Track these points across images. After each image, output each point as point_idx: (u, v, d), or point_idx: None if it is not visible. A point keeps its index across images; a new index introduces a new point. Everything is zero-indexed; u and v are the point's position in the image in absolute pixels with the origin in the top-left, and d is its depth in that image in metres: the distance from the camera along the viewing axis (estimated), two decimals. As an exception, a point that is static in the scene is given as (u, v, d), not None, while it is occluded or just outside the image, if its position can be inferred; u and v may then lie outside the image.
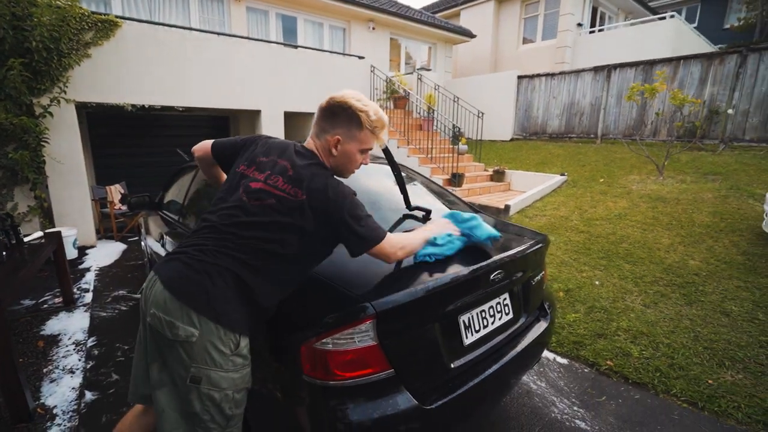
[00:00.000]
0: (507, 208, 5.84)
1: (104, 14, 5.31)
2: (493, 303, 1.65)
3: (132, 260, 5.09)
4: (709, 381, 2.40)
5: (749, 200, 4.76)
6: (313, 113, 6.96)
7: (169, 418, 1.16)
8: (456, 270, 1.45)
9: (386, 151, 1.78)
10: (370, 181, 2.15)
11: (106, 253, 5.35)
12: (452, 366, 1.44)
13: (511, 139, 10.05)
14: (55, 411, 2.23)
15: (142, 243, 4.26)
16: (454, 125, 7.43)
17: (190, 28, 6.74)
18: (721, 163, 6.04)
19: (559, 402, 2.32)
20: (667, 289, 3.44)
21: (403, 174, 1.94)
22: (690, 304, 3.22)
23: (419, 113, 9.16)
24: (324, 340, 1.23)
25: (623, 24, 12.12)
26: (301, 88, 7.50)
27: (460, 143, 7.92)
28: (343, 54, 8.82)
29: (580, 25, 11.50)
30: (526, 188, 6.86)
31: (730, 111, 6.73)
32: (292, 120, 8.23)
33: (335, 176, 1.35)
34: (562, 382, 2.51)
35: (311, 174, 1.25)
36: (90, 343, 2.99)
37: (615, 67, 8.26)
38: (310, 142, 1.41)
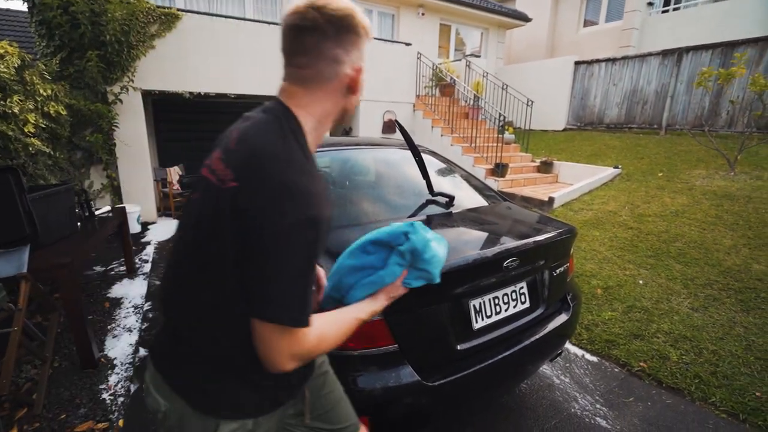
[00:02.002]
0: (551, 200, 5.61)
1: (167, 8, 5.72)
2: (507, 290, 1.65)
3: (187, 236, 5.54)
4: (757, 393, 2.21)
5: (836, 201, 4.20)
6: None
7: None
8: (465, 254, 1.46)
9: (402, 130, 1.80)
10: (391, 166, 2.19)
11: (165, 229, 5.86)
12: (459, 348, 1.47)
13: (564, 129, 9.53)
14: (115, 362, 2.55)
15: (195, 220, 4.63)
16: (500, 114, 7.19)
17: (244, 18, 7.07)
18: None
19: (581, 398, 2.26)
20: (721, 294, 3.17)
21: (424, 158, 1.95)
22: (747, 311, 2.94)
23: (466, 101, 8.95)
24: (332, 312, 1.31)
25: (703, 0, 10.91)
26: (347, 76, 7.59)
27: (506, 132, 7.67)
28: (390, 41, 8.79)
29: (650, 4, 10.52)
30: (575, 181, 6.52)
31: (824, 99, 5.89)
32: (338, 107, 8.38)
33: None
34: (587, 379, 2.43)
35: (253, 143, 0.76)
36: (146, 307, 3.35)
37: (687, 50, 7.50)
38: (284, 90, 0.86)
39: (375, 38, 8.51)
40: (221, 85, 6.35)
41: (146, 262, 4.44)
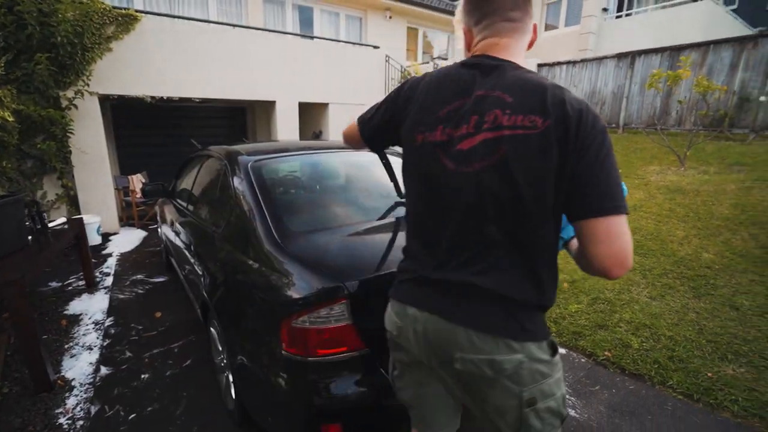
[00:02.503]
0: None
1: (125, 9, 5.49)
2: (475, 289, 1.68)
3: (151, 246, 5.33)
4: (709, 374, 2.35)
5: (775, 192, 4.55)
6: (327, 103, 6.98)
7: None
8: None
9: None
10: (361, 169, 2.20)
11: (128, 240, 5.61)
12: (429, 348, 1.49)
13: (529, 129, 9.83)
14: (73, 383, 2.41)
15: (159, 230, 4.47)
16: (467, 115, 7.34)
17: (207, 21, 6.90)
18: (749, 154, 5.76)
19: (551, 390, 2.33)
20: (675, 282, 3.36)
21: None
22: (698, 297, 3.14)
23: (434, 103, 9.07)
24: (301, 318, 1.30)
25: (653, 7, 11.57)
26: (316, 79, 7.56)
27: (474, 133, 7.83)
28: (358, 44, 8.81)
29: (605, 10, 11.05)
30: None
31: (762, 98, 6.38)
32: (308, 111, 8.33)
33: None
34: (557, 372, 2.51)
35: (534, 88, 0.83)
36: (108, 322, 3.19)
37: (639, 53, 7.93)
38: (496, 44, 0.92)
39: (343, 41, 8.51)
40: (185, 88, 6.16)
41: (108, 275, 4.23)
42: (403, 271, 1.04)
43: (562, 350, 2.74)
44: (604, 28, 11.04)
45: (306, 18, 9.14)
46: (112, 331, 3.05)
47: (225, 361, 1.92)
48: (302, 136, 8.38)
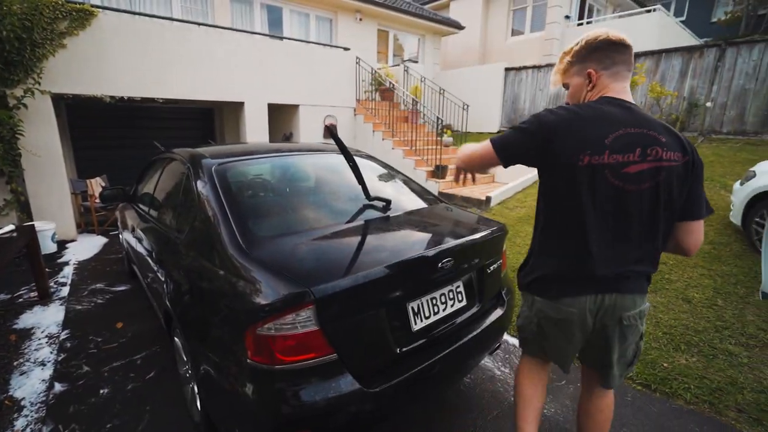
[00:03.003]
0: (488, 199, 5.90)
1: (79, 3, 5.22)
2: (444, 290, 1.70)
3: (112, 254, 5.08)
4: (665, 364, 2.49)
5: (721, 191, 4.86)
6: (297, 105, 6.88)
7: (622, 370, 1.43)
8: (400, 258, 1.49)
9: (335, 137, 1.81)
10: (331, 171, 2.18)
11: (86, 247, 5.32)
12: (399, 351, 1.49)
13: (498, 131, 10.09)
14: (23, 403, 2.25)
15: (120, 236, 4.27)
16: (438, 117, 7.45)
17: (171, 18, 6.65)
18: (699, 155, 6.14)
19: (520, 387, 2.39)
20: (635, 278, 3.53)
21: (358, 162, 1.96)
22: (655, 291, 3.31)
23: (405, 105, 9.15)
24: (267, 326, 1.27)
25: (611, 16, 12.16)
26: (286, 80, 7.45)
27: (445, 135, 7.95)
28: (328, 45, 8.75)
29: (567, 17, 11.52)
30: (510, 180, 6.92)
31: (708, 104, 6.82)
32: (278, 111, 8.19)
33: None
34: (525, 368, 2.58)
35: (674, 132, 1.26)
36: (63, 336, 3.00)
37: (599, 59, 8.30)
38: (624, 88, 1.30)
39: (313, 42, 8.43)
40: (147, 89, 5.91)
41: (64, 285, 3.99)
42: (562, 272, 1.33)
43: (530, 347, 2.81)
44: (567, 34, 11.49)
45: (275, 18, 8.99)
46: (68, 345, 2.88)
47: (190, 371, 1.85)
48: (272, 138, 8.23)
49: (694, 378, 2.34)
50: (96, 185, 6.32)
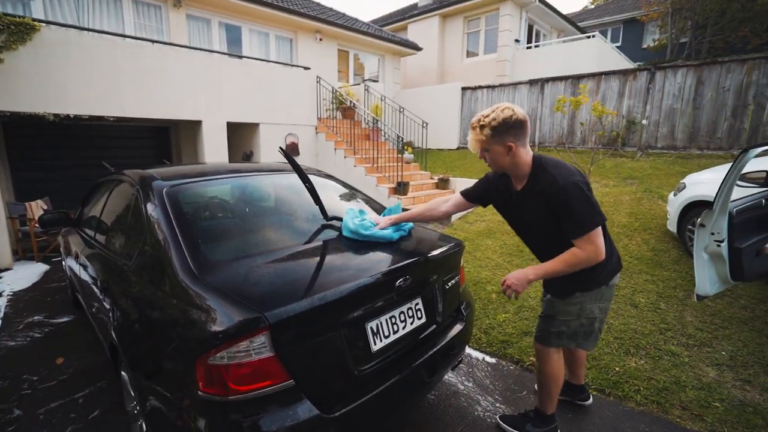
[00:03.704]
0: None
1: (19, 16, 4.94)
2: (403, 308, 1.72)
3: (54, 282, 4.71)
4: (616, 368, 2.61)
5: (659, 201, 5.27)
6: (257, 123, 6.87)
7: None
8: (356, 278, 1.49)
9: (288, 157, 1.81)
10: (290, 191, 2.16)
11: (24, 276, 4.90)
12: (358, 373, 1.48)
13: (457, 148, 10.44)
14: (-59, 455, 2.01)
15: (63, 263, 3.97)
16: (398, 135, 7.60)
17: (123, 35, 6.43)
18: (638, 168, 6.64)
19: (483, 400, 2.42)
20: (587, 286, 3.71)
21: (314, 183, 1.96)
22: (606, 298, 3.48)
23: (367, 123, 9.28)
24: (219, 354, 1.22)
25: (556, 41, 13.06)
26: (245, 99, 7.36)
27: (406, 152, 8.11)
28: (288, 65, 8.77)
29: (517, 41, 12.25)
30: (469, 195, 7.13)
31: (644, 122, 7.44)
32: (238, 130, 8.04)
33: None
34: (488, 381, 2.62)
35: None
36: (-7, 376, 2.72)
37: (547, 80, 8.86)
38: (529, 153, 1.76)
39: (273, 62, 8.42)
40: (95, 106, 5.63)
41: (-6, 319, 3.64)
42: (617, 259, 1.91)
43: (492, 360, 2.87)
44: (518, 57, 12.20)
45: (234, 37, 8.92)
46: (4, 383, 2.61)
47: (138, 408, 1.73)
48: (232, 158, 8.05)
49: (642, 380, 2.48)
50: (36, 208, 5.88)
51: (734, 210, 2.42)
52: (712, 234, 2.44)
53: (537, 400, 2.09)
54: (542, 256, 1.87)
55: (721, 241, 2.42)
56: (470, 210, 6.28)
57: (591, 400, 2.33)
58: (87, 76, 5.49)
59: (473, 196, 2.03)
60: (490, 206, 2.03)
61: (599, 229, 1.60)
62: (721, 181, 2.35)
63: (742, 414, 2.18)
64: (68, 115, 5.41)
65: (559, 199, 1.59)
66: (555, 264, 1.66)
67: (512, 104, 1.65)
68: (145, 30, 7.57)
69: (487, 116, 1.65)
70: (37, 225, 5.62)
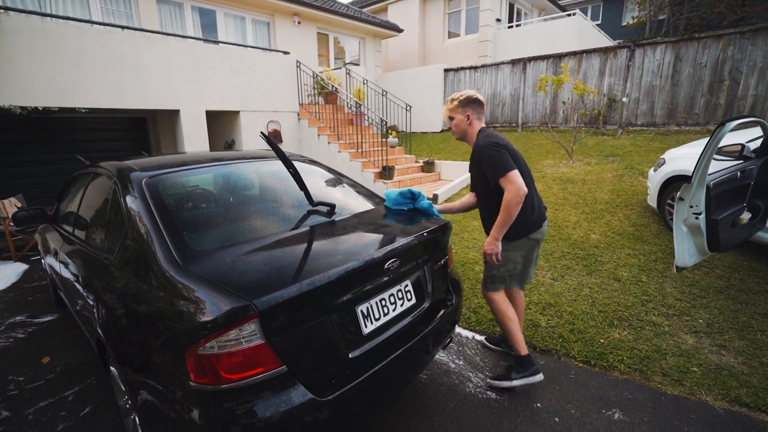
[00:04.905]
0: (435, 197, 6.06)
1: (-25, 5, 4.66)
2: (393, 291, 1.73)
3: (35, 281, 4.58)
4: (601, 340, 2.70)
5: (639, 177, 5.38)
6: (237, 111, 6.79)
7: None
8: (344, 262, 1.49)
9: (271, 143, 1.78)
10: (274, 178, 2.13)
11: (2, 276, 4.75)
12: (350, 356, 1.49)
13: (441, 131, 10.41)
14: (-73, 460, 1.97)
15: (42, 261, 3.86)
16: (382, 119, 7.53)
17: (90, 21, 6.14)
18: (619, 146, 6.75)
19: (474, 377, 2.48)
20: (572, 263, 3.80)
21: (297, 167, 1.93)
22: (590, 273, 3.58)
23: (350, 108, 9.16)
24: (209, 344, 1.21)
25: (537, 20, 13.00)
26: (224, 86, 7.16)
27: (390, 136, 8.05)
28: (267, 49, 8.53)
29: (498, 20, 12.14)
30: (455, 177, 7.16)
31: (624, 99, 7.53)
32: (218, 118, 7.84)
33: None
34: (478, 358, 2.68)
35: None
36: (-27, 380, 2.66)
37: (529, 60, 8.85)
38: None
39: (251, 46, 8.18)
40: (64, 98, 5.40)
41: (-27, 322, 3.53)
42: (538, 216, 2.30)
43: (481, 338, 2.93)
44: (500, 36, 12.12)
45: (209, 22, 8.60)
46: (-21, 391, 2.55)
47: (129, 402, 1.71)
48: (213, 147, 7.87)
49: (626, 350, 2.57)
50: (9, 206, 5.66)
51: (711, 183, 2.48)
52: (691, 207, 2.50)
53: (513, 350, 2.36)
54: (480, 206, 2.44)
55: (699, 214, 2.48)
56: (456, 192, 6.31)
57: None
58: (54, 66, 5.24)
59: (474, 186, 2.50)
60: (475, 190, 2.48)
61: (515, 173, 2.04)
62: (698, 155, 2.40)
63: (718, 377, 2.29)
64: (36, 107, 5.19)
65: (480, 155, 2.14)
66: (500, 216, 2.09)
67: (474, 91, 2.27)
68: (113, 16, 7.23)
69: (457, 94, 2.27)
70: (11, 223, 5.44)
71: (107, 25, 6.24)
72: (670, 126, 7.15)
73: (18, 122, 5.99)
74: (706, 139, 2.49)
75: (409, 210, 2.26)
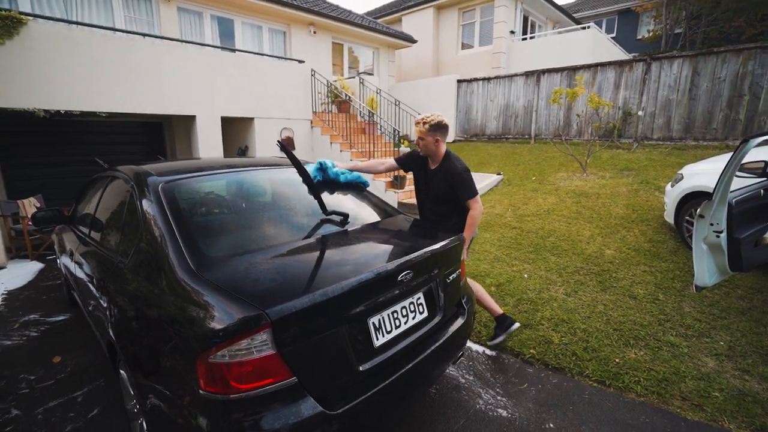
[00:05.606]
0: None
1: (5, 10, 4.82)
2: (405, 303, 1.70)
3: (50, 280, 4.65)
4: (616, 360, 2.62)
5: (655, 192, 5.28)
6: (252, 118, 6.89)
7: None
8: (357, 273, 1.47)
9: (286, 151, 1.79)
10: (287, 186, 2.13)
11: (18, 274, 4.84)
12: (361, 369, 1.46)
13: (454, 141, 10.40)
14: (-62, 457, 1.98)
15: (58, 261, 3.92)
16: (394, 129, 7.56)
17: (113, 29, 6.31)
18: (635, 160, 6.65)
19: (484, 393, 2.43)
20: (585, 278, 3.72)
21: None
22: (604, 290, 3.50)
23: (362, 117, 9.22)
24: (220, 353, 1.20)
25: (551, 32, 12.99)
26: (239, 93, 7.27)
27: (402, 146, 8.06)
28: (282, 58, 8.66)
29: (512, 32, 12.17)
30: (466, 188, 7.11)
31: (640, 113, 7.44)
32: (233, 124, 7.96)
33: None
34: (488, 374, 2.63)
35: None
36: (-13, 377, 2.69)
37: (543, 72, 8.82)
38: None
39: (267, 55, 8.31)
40: (86, 102, 5.54)
41: (-12, 319, 3.59)
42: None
43: (492, 353, 2.88)
44: (513, 48, 12.14)
45: (227, 30, 8.78)
46: (-6, 387, 2.57)
47: (138, 406, 1.71)
48: (227, 153, 7.98)
49: (643, 371, 2.49)
50: (29, 206, 5.79)
51: (734, 200, 2.42)
52: (712, 224, 2.44)
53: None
54: (433, 206, 2.73)
55: (721, 232, 2.42)
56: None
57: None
58: (77, 71, 5.39)
59: (401, 164, 2.83)
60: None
61: (478, 195, 2.54)
62: (719, 171, 2.34)
63: (742, 403, 2.20)
64: (59, 110, 5.32)
65: (457, 178, 2.49)
66: (466, 229, 2.53)
67: (441, 114, 2.55)
68: (135, 24, 7.44)
69: (429, 117, 2.50)
70: (30, 223, 5.56)
71: (129, 32, 6.40)
72: (687, 141, 7.03)
73: (40, 125, 6.15)
74: (726, 155, 2.44)
75: (326, 180, 2.42)
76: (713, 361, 2.56)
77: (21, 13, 4.98)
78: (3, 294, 4.22)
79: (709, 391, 2.30)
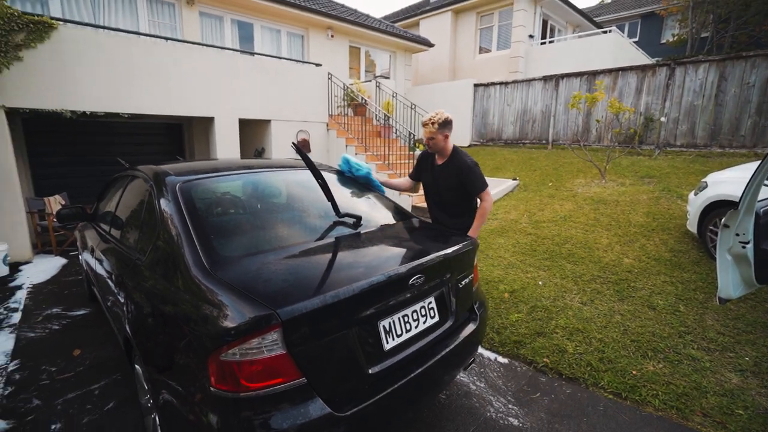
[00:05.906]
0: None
1: (37, 15, 5.02)
2: (416, 307, 1.69)
3: (72, 275, 4.80)
4: (633, 372, 2.55)
5: (678, 201, 5.13)
6: (269, 120, 6.99)
7: None
8: (369, 276, 1.47)
9: (301, 153, 1.80)
10: (302, 188, 2.15)
11: (43, 269, 5.01)
12: (370, 372, 1.46)
13: (470, 145, 10.33)
14: (-38, 444, 2.06)
15: (80, 257, 4.05)
16: (409, 132, 7.55)
17: (137, 33, 6.50)
18: (656, 167, 6.48)
19: (495, 401, 2.39)
20: (602, 287, 3.64)
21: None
22: (622, 299, 3.41)
23: (378, 120, 9.24)
24: (231, 351, 1.21)
25: (571, 36, 12.82)
26: (257, 96, 7.39)
27: (417, 149, 8.05)
28: (300, 61, 8.78)
29: (531, 36, 12.05)
30: (481, 193, 7.04)
31: (662, 119, 7.25)
32: (250, 126, 8.09)
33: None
34: (500, 381, 2.58)
35: None
36: (12, 366, 2.78)
37: (562, 76, 8.70)
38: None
39: (285, 58, 8.43)
40: (111, 103, 5.71)
41: (15, 310, 3.72)
42: None
43: (504, 360, 2.83)
44: (532, 52, 12.01)
45: (246, 34, 8.96)
46: (17, 377, 2.66)
47: (151, 401, 1.74)
48: (244, 154, 8.10)
49: (661, 384, 2.41)
50: (54, 203, 6.00)
51: (761, 210, 2.32)
52: (737, 235, 2.35)
53: None
54: (443, 205, 2.76)
55: (747, 243, 2.32)
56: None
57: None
58: (102, 74, 5.57)
59: (414, 176, 2.96)
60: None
61: (489, 188, 2.59)
62: (746, 180, 2.26)
63: None
64: (84, 111, 5.50)
65: (467, 171, 2.56)
66: (477, 218, 2.58)
67: (443, 111, 2.65)
68: (158, 27, 7.65)
69: (435, 117, 2.60)
70: (55, 219, 5.75)
71: (152, 36, 6.59)
72: (713, 148, 6.82)
73: (66, 125, 6.36)
74: (753, 163, 2.35)
75: (352, 178, 2.64)
76: (737, 377, 2.46)
77: (52, 18, 5.18)
78: (29, 287, 4.37)
79: (732, 408, 2.21)
